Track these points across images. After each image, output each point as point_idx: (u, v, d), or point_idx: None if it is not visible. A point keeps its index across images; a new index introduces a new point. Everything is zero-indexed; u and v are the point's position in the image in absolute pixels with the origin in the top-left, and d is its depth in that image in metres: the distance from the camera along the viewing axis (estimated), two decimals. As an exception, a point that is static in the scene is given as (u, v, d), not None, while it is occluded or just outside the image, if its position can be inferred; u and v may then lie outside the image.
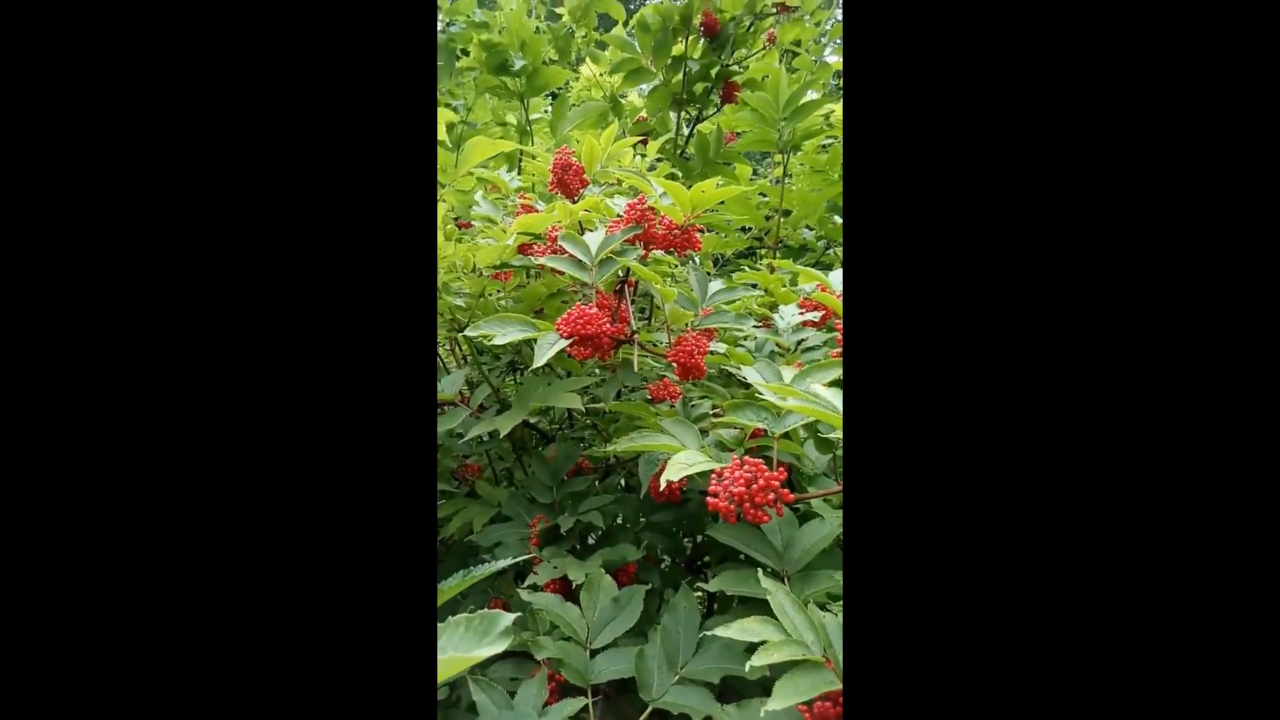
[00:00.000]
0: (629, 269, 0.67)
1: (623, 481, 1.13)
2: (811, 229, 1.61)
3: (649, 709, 0.58)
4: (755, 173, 1.79)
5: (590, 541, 0.91)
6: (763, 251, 1.77)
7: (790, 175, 1.62)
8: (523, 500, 0.93)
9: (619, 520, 0.90)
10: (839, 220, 1.60)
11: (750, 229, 1.63)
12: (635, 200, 0.67)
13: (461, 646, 0.34)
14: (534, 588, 0.75)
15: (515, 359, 1.16)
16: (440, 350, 1.18)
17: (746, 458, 0.55)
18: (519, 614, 0.42)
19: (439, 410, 1.13)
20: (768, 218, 1.61)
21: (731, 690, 0.62)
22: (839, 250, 1.60)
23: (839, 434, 0.66)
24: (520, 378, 1.18)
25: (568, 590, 0.76)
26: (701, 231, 0.69)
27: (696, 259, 1.01)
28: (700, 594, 1.01)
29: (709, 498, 0.54)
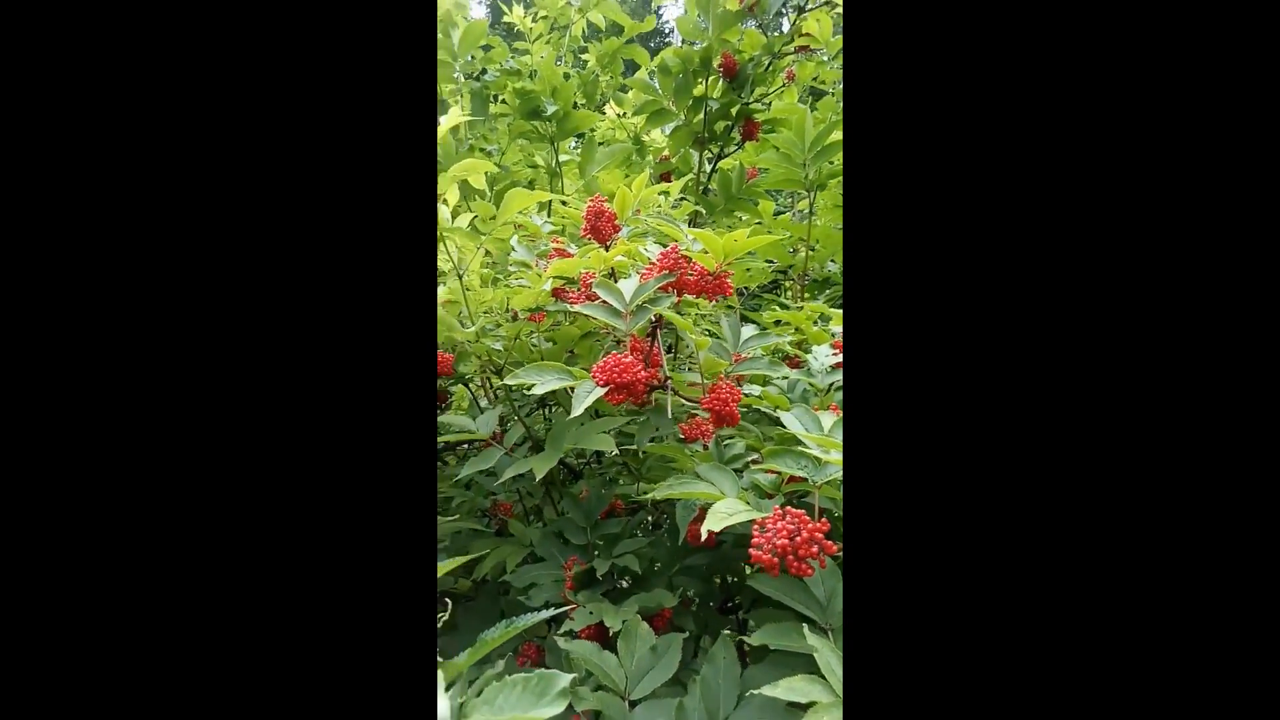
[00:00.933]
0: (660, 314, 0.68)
1: (649, 519, 1.12)
2: (835, 263, 1.61)
3: (692, 765, 0.57)
4: (778, 207, 1.81)
5: (624, 584, 0.90)
6: (787, 284, 1.77)
7: (814, 211, 1.64)
8: (555, 540, 0.93)
9: (654, 562, 0.89)
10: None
11: (774, 261, 1.64)
12: (669, 249, 0.68)
13: (520, 706, 0.34)
14: (570, 634, 0.74)
15: (546, 396, 1.17)
16: (474, 388, 1.20)
17: (789, 508, 0.54)
18: (575, 674, 0.42)
19: (472, 449, 1.14)
20: (793, 251, 1.62)
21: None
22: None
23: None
24: (550, 413, 1.20)
25: (603, 636, 0.76)
26: (731, 275, 0.70)
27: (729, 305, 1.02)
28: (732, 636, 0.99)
29: (752, 550, 0.54)
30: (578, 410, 0.58)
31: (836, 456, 0.50)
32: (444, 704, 0.35)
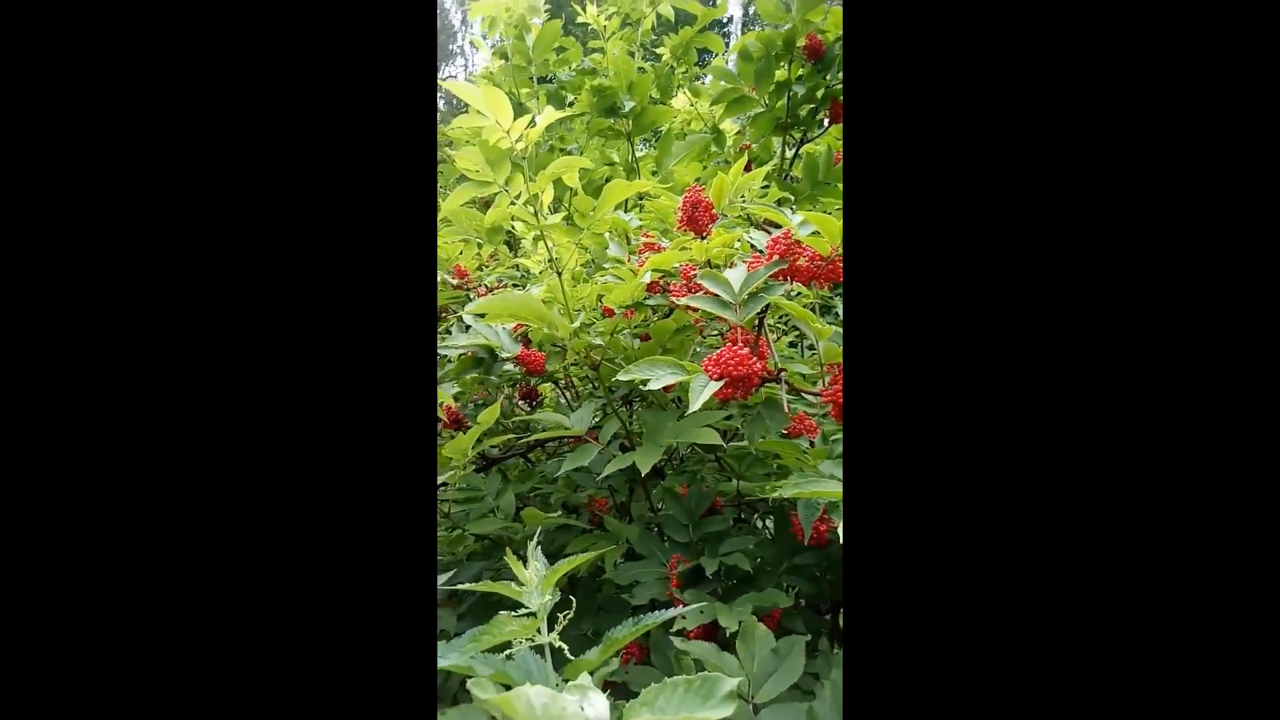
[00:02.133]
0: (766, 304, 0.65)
1: (740, 514, 1.09)
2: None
3: (828, 775, 0.54)
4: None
5: (734, 582, 0.88)
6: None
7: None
8: (655, 537, 0.91)
9: (760, 563, 0.86)
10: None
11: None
12: (778, 234, 0.65)
13: (685, 707, 0.33)
14: (680, 633, 0.73)
15: (632, 392, 1.16)
16: (560, 384, 1.21)
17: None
18: (740, 678, 0.41)
19: (567, 446, 1.15)
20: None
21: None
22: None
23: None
24: (636, 409, 1.19)
25: (713, 636, 0.74)
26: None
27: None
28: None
29: None
30: (695, 405, 0.56)
31: None
32: (599, 702, 0.34)
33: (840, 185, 1.45)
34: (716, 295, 0.65)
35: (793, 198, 1.32)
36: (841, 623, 0.91)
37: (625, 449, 0.93)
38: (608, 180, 1.51)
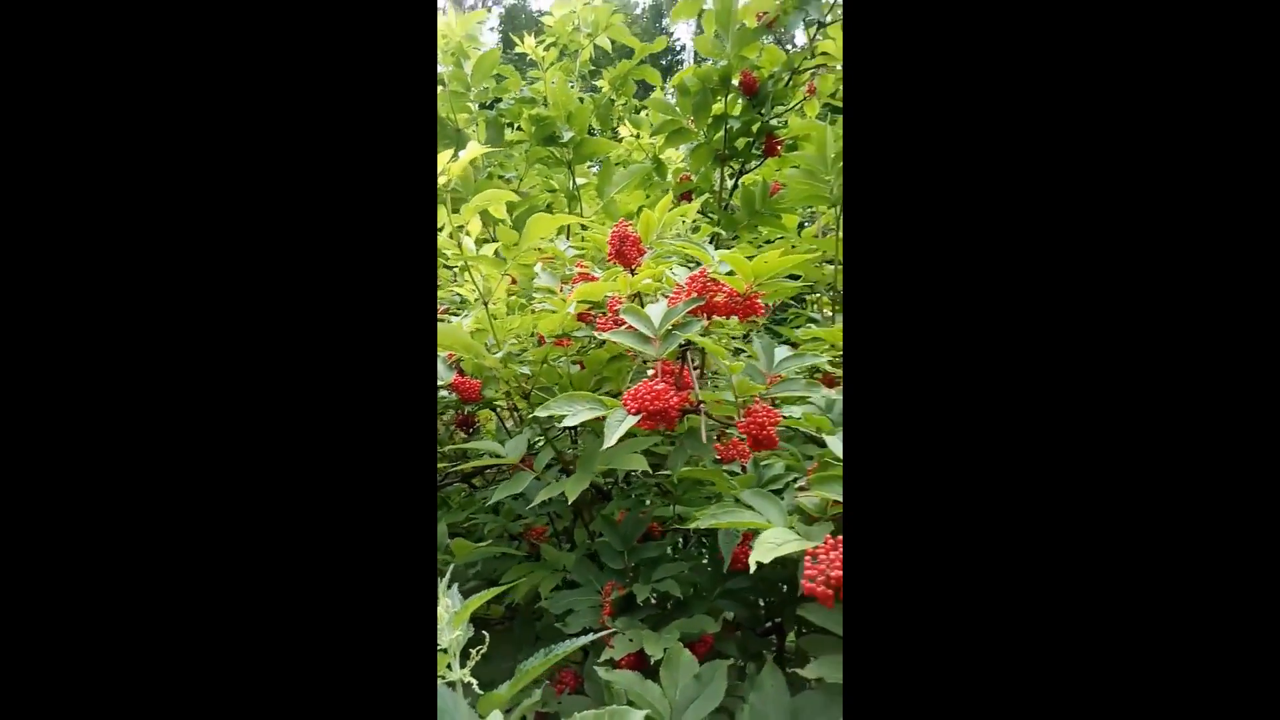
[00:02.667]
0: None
1: (680, 540, 1.10)
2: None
3: (745, 801, 0.55)
4: (802, 219, 1.80)
5: (667, 607, 0.88)
6: (811, 297, 1.75)
7: (840, 225, 1.62)
8: (591, 565, 0.91)
9: (694, 588, 0.87)
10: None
11: (799, 277, 1.63)
12: (697, 272, 0.67)
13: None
14: (609, 663, 0.73)
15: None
16: (501, 412, 1.20)
17: (840, 537, 0.53)
18: (647, 711, 0.41)
19: (500, 473, 1.14)
20: (819, 266, 1.61)
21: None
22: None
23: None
24: (577, 435, 1.19)
25: (644, 663, 0.74)
26: (761, 296, 0.69)
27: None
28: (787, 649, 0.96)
29: (805, 582, 0.52)
30: (611, 440, 0.57)
31: None
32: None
33: (776, 216, 1.51)
34: (636, 330, 0.67)
35: (723, 233, 1.36)
36: (785, 643, 0.93)
37: (567, 474, 0.93)
38: (547, 207, 1.52)
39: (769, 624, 0.97)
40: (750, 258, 0.67)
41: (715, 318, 0.69)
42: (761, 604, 0.92)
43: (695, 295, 0.66)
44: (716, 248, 1.53)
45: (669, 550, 0.88)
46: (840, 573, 0.51)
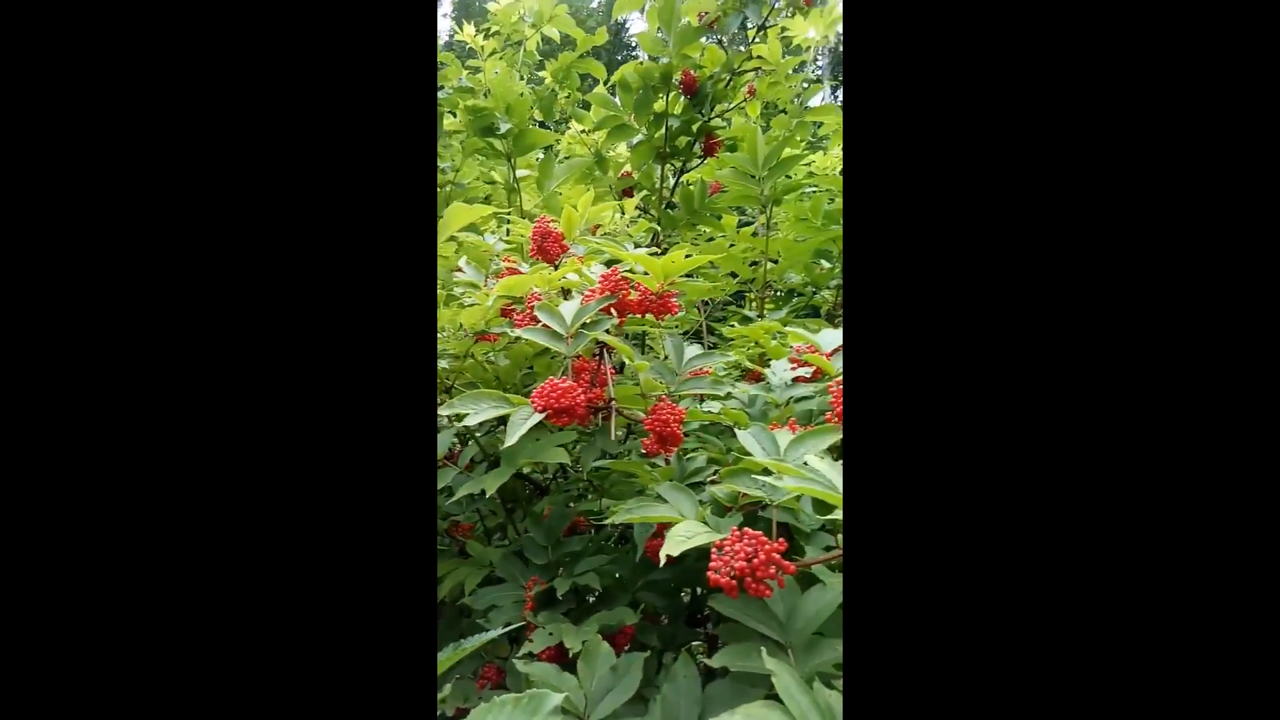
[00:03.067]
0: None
1: (617, 535, 1.11)
2: (797, 275, 1.64)
3: (650, 787, 0.56)
4: (744, 220, 1.83)
5: (590, 600, 0.89)
6: (750, 295, 1.79)
7: (776, 224, 1.66)
8: (516, 560, 0.91)
9: (617, 577, 0.88)
10: (825, 265, 1.63)
11: (736, 275, 1.66)
12: (610, 271, 0.68)
13: (511, 726, 0.34)
14: (529, 656, 0.73)
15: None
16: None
17: (746, 530, 0.54)
18: (566, 693, 0.42)
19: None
20: (755, 264, 1.64)
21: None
22: (826, 294, 1.62)
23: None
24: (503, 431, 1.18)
25: (565, 657, 0.74)
26: (677, 296, 0.70)
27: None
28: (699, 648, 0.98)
29: (710, 573, 0.54)
30: (512, 439, 0.58)
31: (792, 483, 0.50)
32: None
33: (716, 215, 1.53)
34: (550, 328, 0.67)
35: (659, 229, 1.37)
36: (695, 633, 0.95)
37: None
38: (487, 199, 1.50)
39: (697, 615, 0.99)
40: (689, 255, 0.68)
41: (647, 315, 0.70)
42: (686, 595, 0.94)
43: (608, 293, 0.67)
44: (656, 245, 1.54)
45: (591, 544, 0.89)
46: (744, 564, 0.52)
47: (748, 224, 1.81)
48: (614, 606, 0.79)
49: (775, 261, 1.58)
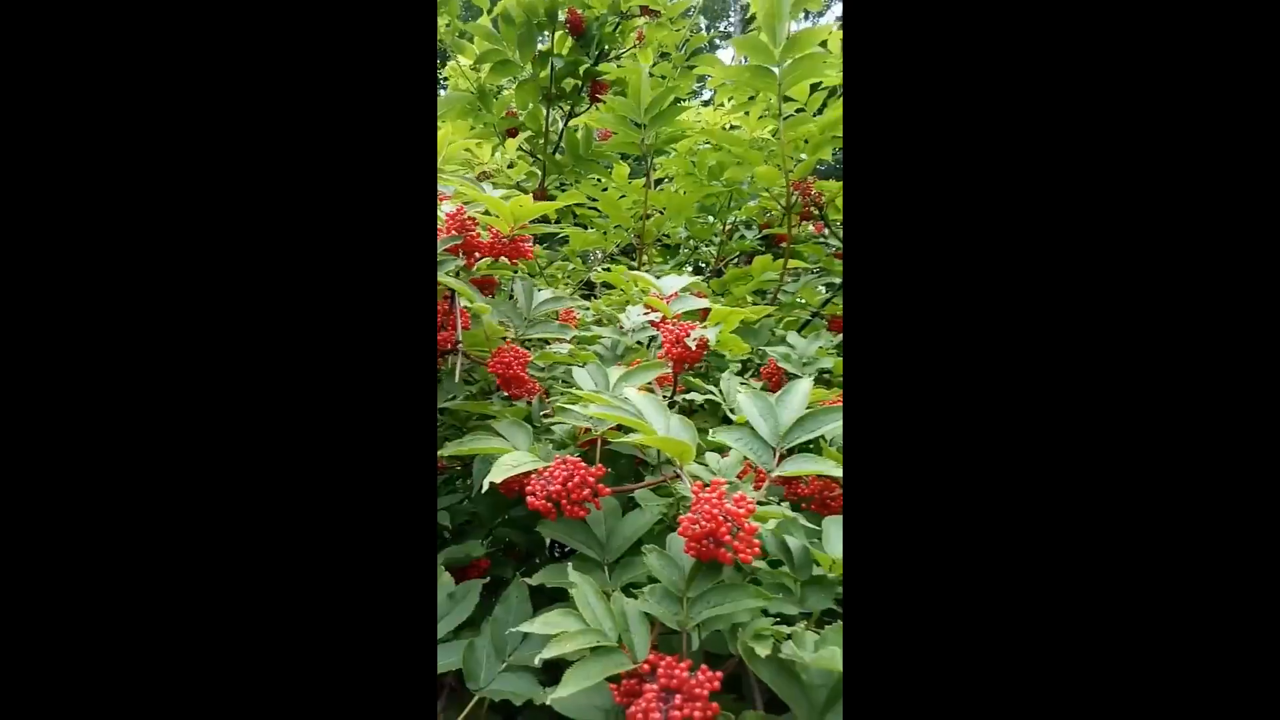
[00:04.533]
0: (458, 274, 0.68)
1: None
2: (684, 229, 1.67)
3: (475, 698, 0.60)
4: (639, 173, 1.83)
5: (447, 536, 0.91)
6: (636, 248, 1.81)
7: (671, 178, 1.68)
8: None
9: (477, 512, 0.91)
10: (711, 220, 1.67)
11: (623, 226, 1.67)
12: (454, 210, 0.68)
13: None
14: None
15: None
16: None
17: (568, 458, 0.58)
18: None
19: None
20: (646, 217, 1.66)
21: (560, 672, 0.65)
22: (708, 249, 1.67)
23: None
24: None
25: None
26: (530, 241, 0.71)
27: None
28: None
29: (527, 496, 0.57)
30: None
31: (598, 410, 0.54)
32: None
33: (606, 164, 1.52)
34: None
35: (538, 172, 1.35)
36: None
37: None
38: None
39: (557, 554, 1.04)
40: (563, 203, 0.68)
41: (501, 259, 0.70)
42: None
43: (454, 233, 0.66)
44: (541, 189, 1.51)
45: (443, 485, 0.91)
46: (559, 487, 0.56)
47: (639, 175, 1.81)
48: (465, 542, 0.82)
49: (661, 213, 1.61)
